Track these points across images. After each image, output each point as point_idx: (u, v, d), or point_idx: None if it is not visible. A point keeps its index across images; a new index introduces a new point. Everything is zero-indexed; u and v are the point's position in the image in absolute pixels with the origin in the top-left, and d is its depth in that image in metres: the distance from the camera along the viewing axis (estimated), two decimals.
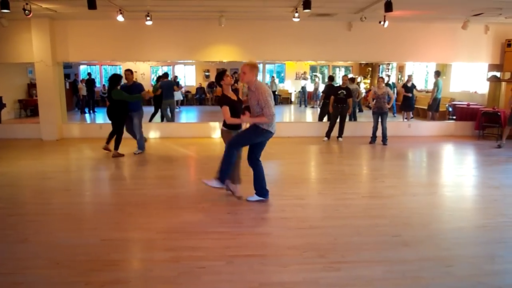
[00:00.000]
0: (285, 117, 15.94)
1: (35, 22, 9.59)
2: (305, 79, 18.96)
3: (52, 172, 7.07)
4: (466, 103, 12.07)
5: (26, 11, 7.72)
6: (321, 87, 16.63)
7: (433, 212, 5.09)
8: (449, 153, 9.32)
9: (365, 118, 12.42)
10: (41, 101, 10.24)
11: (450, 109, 12.55)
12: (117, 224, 4.59)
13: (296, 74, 20.84)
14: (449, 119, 12.36)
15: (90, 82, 16.44)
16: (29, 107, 14.79)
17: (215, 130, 10.91)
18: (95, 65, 20.44)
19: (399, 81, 16.62)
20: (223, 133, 5.25)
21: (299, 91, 19.22)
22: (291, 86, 20.45)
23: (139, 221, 4.67)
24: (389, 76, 16.64)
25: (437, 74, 12.36)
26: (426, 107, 12.77)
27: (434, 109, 12.35)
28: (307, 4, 7.25)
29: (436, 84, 12.25)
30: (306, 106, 18.57)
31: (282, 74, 21.84)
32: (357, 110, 13.09)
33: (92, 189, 6.36)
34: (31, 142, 9.99)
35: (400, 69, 17.22)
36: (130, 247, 4.08)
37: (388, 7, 7.28)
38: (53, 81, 10.13)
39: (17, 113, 14.66)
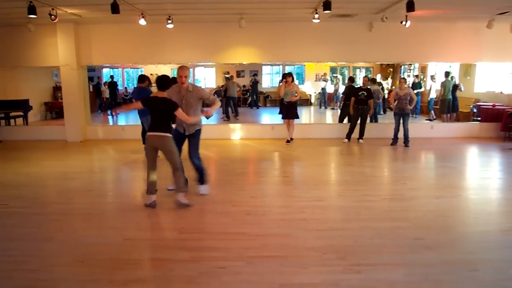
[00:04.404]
0: (305, 118, 15.86)
1: (60, 27, 9.84)
2: (325, 80, 18.82)
3: (75, 173, 7.24)
4: (491, 103, 11.75)
5: (52, 16, 7.95)
6: (341, 89, 16.50)
7: (457, 215, 4.98)
8: (473, 155, 9.10)
9: (387, 120, 12.25)
10: (66, 104, 10.50)
11: (475, 110, 12.23)
12: (138, 224, 4.67)
13: (316, 75, 20.72)
14: (473, 120, 12.06)
15: (112, 84, 16.84)
16: (54, 109, 15.22)
17: (235, 131, 10.97)
18: (117, 68, 20.82)
19: (421, 81, 16.30)
20: None
21: (319, 93, 19.11)
22: (311, 88, 20.36)
23: (160, 221, 4.74)
24: (417, 76, 16.32)
25: (446, 74, 12.08)
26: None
27: (444, 111, 12.05)
28: (327, 5, 7.22)
29: (444, 85, 11.95)
30: (326, 108, 18.42)
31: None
32: (381, 112, 12.83)
33: (114, 190, 6.49)
34: (56, 143, 10.26)
35: (423, 70, 16.90)
36: (151, 246, 4.14)
37: (410, 7, 7.16)
38: (78, 84, 10.38)
39: (43, 115, 15.10)
